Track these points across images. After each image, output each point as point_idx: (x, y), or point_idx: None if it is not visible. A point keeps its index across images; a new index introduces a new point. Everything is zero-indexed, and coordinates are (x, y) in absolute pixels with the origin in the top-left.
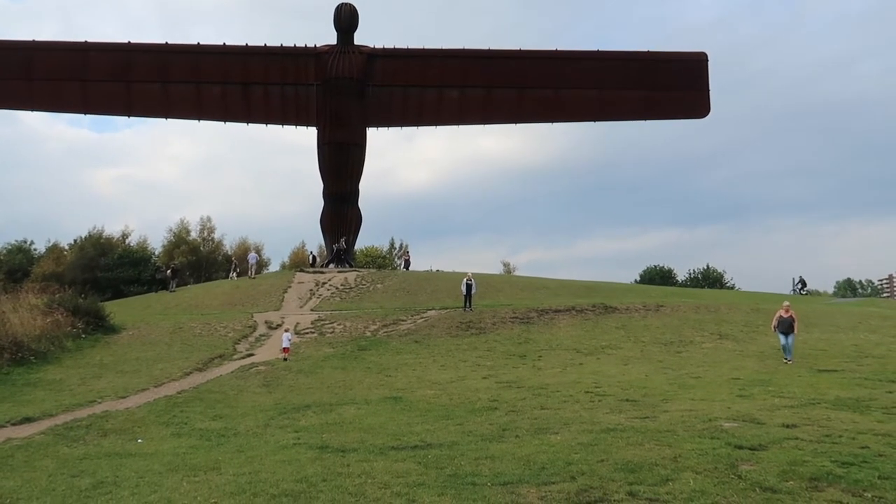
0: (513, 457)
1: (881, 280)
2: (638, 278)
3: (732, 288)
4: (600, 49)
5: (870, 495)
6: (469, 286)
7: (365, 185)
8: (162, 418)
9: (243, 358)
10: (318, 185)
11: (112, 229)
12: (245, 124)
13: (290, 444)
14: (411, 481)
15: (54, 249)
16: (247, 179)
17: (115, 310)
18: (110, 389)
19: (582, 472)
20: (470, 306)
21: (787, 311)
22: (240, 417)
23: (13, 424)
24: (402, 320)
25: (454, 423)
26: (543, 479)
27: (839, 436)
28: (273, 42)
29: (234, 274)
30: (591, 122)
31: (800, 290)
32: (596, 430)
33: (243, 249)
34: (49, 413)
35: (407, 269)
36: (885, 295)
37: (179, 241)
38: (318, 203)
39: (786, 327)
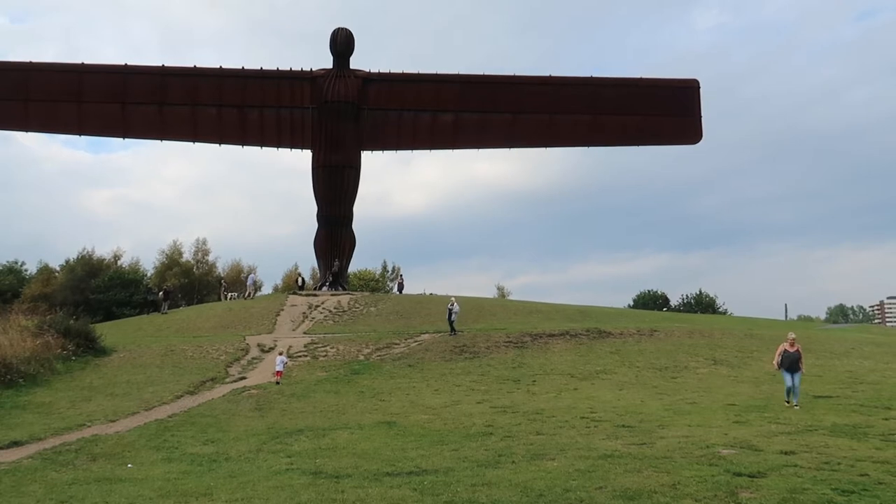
0: (509, 483)
1: (872, 306)
2: (631, 303)
3: (725, 313)
4: (594, 75)
5: None
6: (450, 311)
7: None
8: (152, 442)
9: (235, 381)
10: (312, 207)
11: (105, 251)
12: (241, 147)
13: (283, 469)
14: None
15: (44, 271)
16: (243, 201)
17: (107, 332)
18: (100, 413)
19: (580, 499)
20: (454, 331)
21: (791, 344)
22: (232, 442)
23: (0, 448)
24: (396, 344)
25: (449, 448)
26: None
27: (838, 463)
28: (271, 65)
29: (235, 294)
30: (586, 148)
31: None
32: (593, 456)
33: (236, 272)
34: (37, 437)
35: (400, 292)
36: (876, 321)
37: (172, 262)
38: (312, 225)
39: (791, 364)
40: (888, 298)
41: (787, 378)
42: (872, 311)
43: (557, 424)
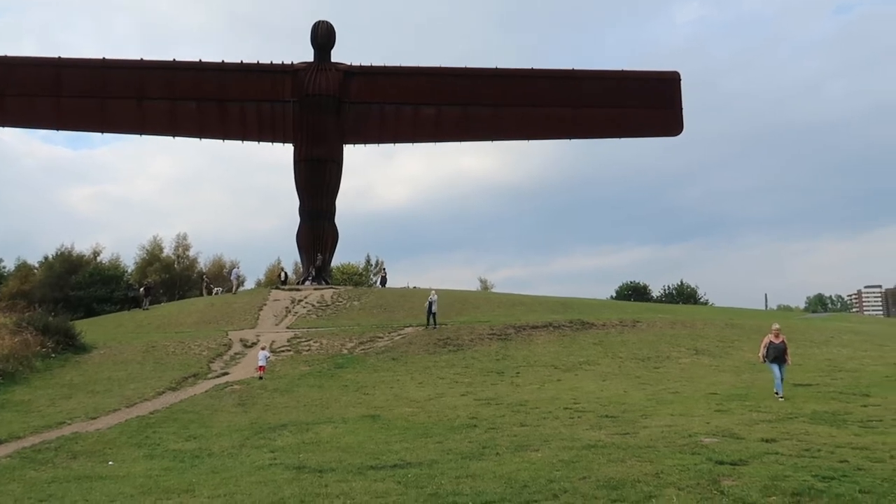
0: (494, 475)
1: (850, 295)
2: (614, 294)
3: (706, 303)
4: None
5: None
6: (430, 303)
7: (343, 202)
8: (134, 439)
9: (218, 377)
10: (294, 202)
11: (85, 247)
12: (222, 141)
13: (266, 464)
14: (391, 501)
15: (22, 268)
16: (225, 196)
17: (87, 329)
18: (80, 410)
19: (564, 489)
20: (434, 324)
21: (777, 335)
22: (214, 438)
23: None
24: (380, 337)
25: (433, 441)
26: (526, 497)
27: (818, 450)
28: (253, 60)
29: (220, 290)
30: (569, 141)
31: None
32: (576, 446)
33: (218, 267)
34: (16, 435)
35: (383, 286)
36: (854, 310)
37: (153, 258)
38: (295, 220)
39: (777, 355)
40: (865, 288)
41: (775, 370)
42: (850, 300)
43: (541, 415)
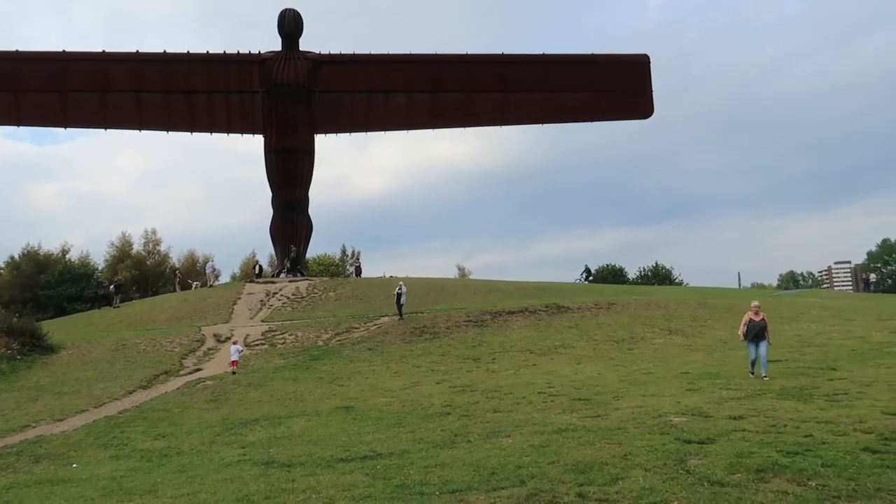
0: (463, 463)
1: (821, 272)
2: (591, 277)
3: (681, 284)
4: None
5: (814, 484)
6: (399, 295)
7: (319, 192)
8: (100, 440)
9: (190, 373)
10: (268, 194)
11: (52, 245)
12: (189, 134)
13: (234, 461)
14: (357, 494)
15: None
16: (197, 190)
17: (56, 328)
18: (46, 412)
19: (532, 475)
20: (401, 315)
21: (756, 313)
22: (184, 435)
23: None
24: (356, 328)
25: (406, 430)
26: (493, 484)
27: (784, 425)
28: (222, 51)
29: (198, 284)
30: (541, 126)
31: (585, 278)
32: (547, 431)
33: (191, 262)
34: None
35: (358, 276)
36: (825, 286)
37: (123, 255)
38: (269, 212)
39: (756, 333)
40: (836, 263)
41: (752, 349)
42: (821, 276)
43: (515, 401)
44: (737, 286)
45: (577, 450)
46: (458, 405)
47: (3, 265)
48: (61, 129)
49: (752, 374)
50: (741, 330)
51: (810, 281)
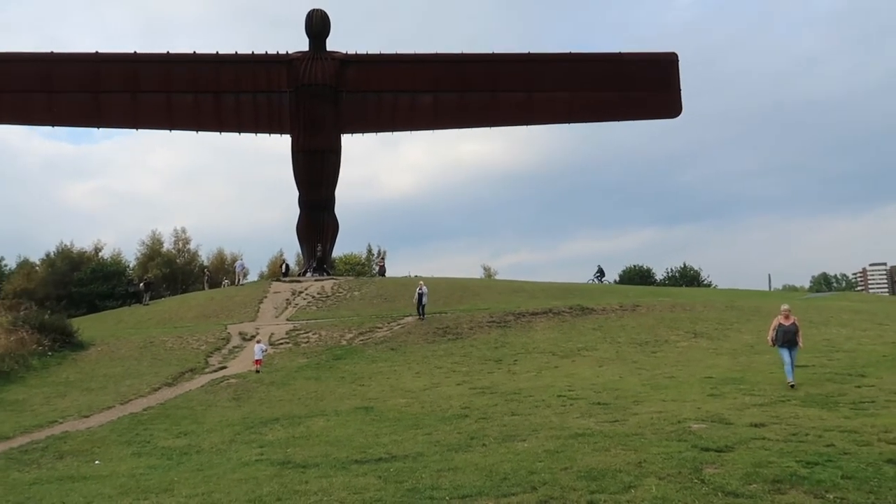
0: (476, 467)
1: (855, 274)
2: (617, 278)
3: (709, 286)
4: (572, 52)
5: (832, 496)
6: (421, 295)
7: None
8: (124, 437)
9: (215, 371)
10: (297, 193)
11: (85, 243)
12: (218, 133)
13: (252, 460)
14: (368, 498)
15: (25, 265)
16: (230, 189)
17: (87, 325)
18: (74, 408)
19: (544, 481)
20: (422, 315)
21: (786, 316)
22: (205, 434)
23: None
24: (379, 328)
25: (423, 432)
26: (504, 490)
27: (806, 434)
28: (255, 50)
29: (228, 282)
30: (570, 125)
31: (598, 278)
32: (563, 435)
33: (220, 260)
34: (6, 435)
35: (382, 276)
36: (859, 288)
37: (154, 253)
38: (298, 212)
39: (789, 339)
40: (870, 265)
41: (785, 355)
42: (855, 278)
43: (534, 404)
44: (767, 288)
45: (591, 456)
46: (476, 407)
47: (38, 262)
48: (97, 129)
49: (791, 384)
50: (770, 335)
51: (844, 283)
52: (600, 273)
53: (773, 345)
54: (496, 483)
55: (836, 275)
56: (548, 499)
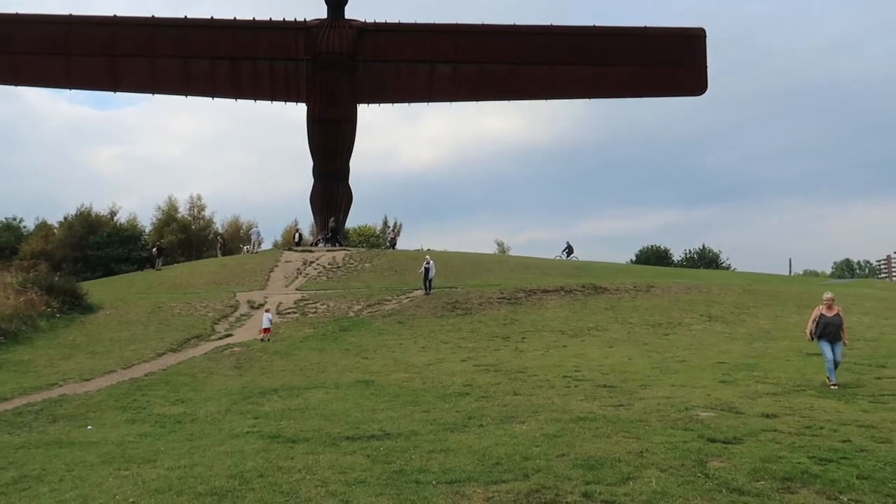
0: (468, 450)
1: (879, 261)
2: (634, 258)
3: (728, 268)
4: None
5: (846, 498)
6: (427, 269)
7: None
8: (120, 402)
9: (221, 339)
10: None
11: (103, 207)
12: (234, 100)
13: (243, 432)
14: (352, 478)
15: (43, 227)
16: (251, 157)
17: (98, 288)
18: (76, 371)
19: (538, 468)
20: (429, 290)
21: (829, 307)
22: (202, 402)
23: None
24: (388, 300)
25: (420, 409)
26: (494, 476)
27: (820, 427)
28: (277, 15)
29: (248, 248)
30: (592, 101)
31: (567, 255)
32: (565, 419)
33: (235, 228)
34: (4, 397)
35: (392, 248)
36: (882, 275)
37: (169, 219)
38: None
39: (832, 332)
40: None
41: (827, 350)
42: (879, 265)
43: (537, 384)
44: (787, 273)
45: (591, 442)
46: (478, 385)
47: (56, 225)
48: (122, 95)
49: (833, 384)
50: (809, 327)
51: (867, 270)
52: (569, 250)
53: (812, 338)
54: (488, 468)
55: (859, 261)
56: (540, 488)
